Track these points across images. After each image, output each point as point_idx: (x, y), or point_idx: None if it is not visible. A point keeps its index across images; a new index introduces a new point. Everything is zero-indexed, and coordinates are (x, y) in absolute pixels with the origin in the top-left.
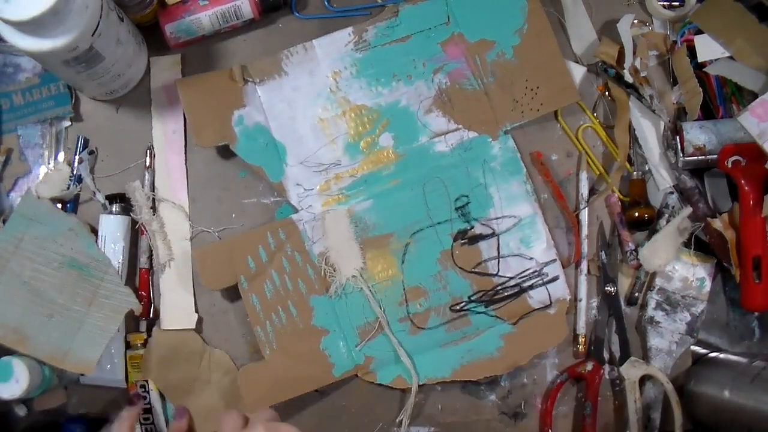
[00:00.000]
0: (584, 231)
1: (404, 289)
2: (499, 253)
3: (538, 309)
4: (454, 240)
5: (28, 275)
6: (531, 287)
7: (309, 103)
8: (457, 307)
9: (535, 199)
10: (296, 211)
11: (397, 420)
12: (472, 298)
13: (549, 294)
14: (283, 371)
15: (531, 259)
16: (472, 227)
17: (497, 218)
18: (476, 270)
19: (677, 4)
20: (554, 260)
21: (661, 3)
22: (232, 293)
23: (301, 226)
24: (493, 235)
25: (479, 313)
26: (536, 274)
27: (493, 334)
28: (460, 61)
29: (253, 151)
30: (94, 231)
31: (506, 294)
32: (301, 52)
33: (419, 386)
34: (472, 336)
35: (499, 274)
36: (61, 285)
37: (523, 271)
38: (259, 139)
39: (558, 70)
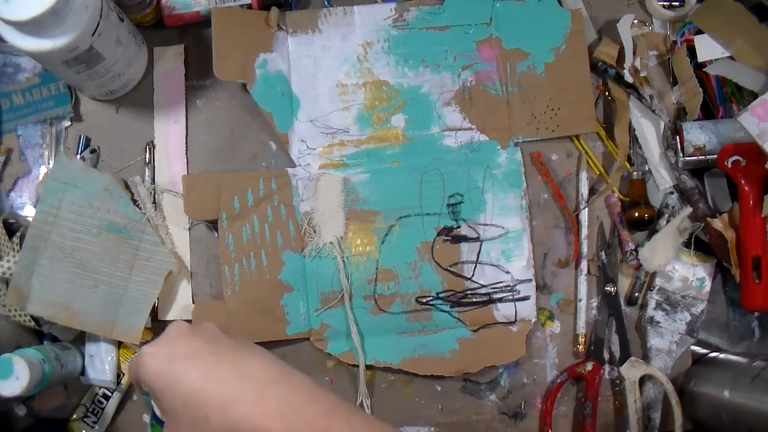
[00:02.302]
0: (584, 231)
1: (377, 268)
2: (478, 258)
3: (501, 323)
4: (438, 234)
5: (70, 246)
6: (500, 300)
7: (334, 66)
8: (424, 300)
9: (527, 216)
10: (294, 166)
11: (357, 403)
12: (440, 295)
13: (516, 311)
14: (239, 315)
15: (507, 273)
16: (459, 227)
17: (485, 225)
18: (451, 269)
19: (677, 4)
20: (530, 280)
21: (661, 3)
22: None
23: (294, 182)
24: (477, 239)
25: (443, 311)
26: (509, 288)
27: (451, 335)
28: (491, 64)
29: (268, 96)
30: (127, 188)
31: (474, 300)
32: (340, 15)
33: (367, 366)
34: (430, 332)
35: (473, 279)
36: (102, 252)
37: (497, 283)
38: (276, 87)
39: (583, 97)
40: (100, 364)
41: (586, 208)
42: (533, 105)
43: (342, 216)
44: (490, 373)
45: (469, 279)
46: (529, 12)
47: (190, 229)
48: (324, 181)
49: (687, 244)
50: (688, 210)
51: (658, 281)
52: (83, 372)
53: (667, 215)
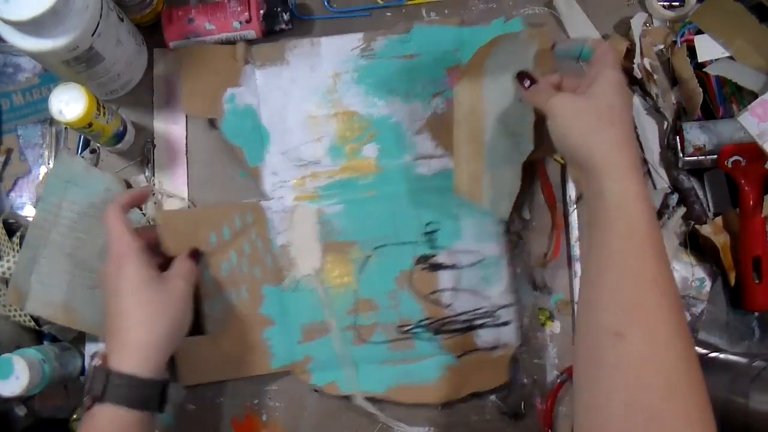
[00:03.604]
0: (574, 233)
1: (356, 299)
2: (457, 285)
3: (483, 349)
4: (416, 263)
5: (69, 245)
6: (481, 326)
7: (303, 97)
8: (405, 329)
9: (506, 241)
10: (267, 199)
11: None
12: (421, 323)
13: (498, 337)
14: (223, 351)
15: (487, 298)
16: (436, 254)
17: (463, 252)
18: (431, 297)
19: (677, 4)
20: (510, 305)
21: (661, 3)
22: None
23: (269, 215)
24: (455, 267)
25: (425, 339)
26: (489, 314)
27: (435, 363)
28: None
29: (238, 131)
30: (129, 186)
31: (455, 327)
32: (307, 46)
33: (347, 396)
34: (413, 360)
35: (453, 306)
36: (101, 253)
37: (477, 309)
38: (246, 121)
39: None
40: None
41: (575, 210)
42: None
43: (318, 248)
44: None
45: (449, 306)
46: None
47: None
48: (299, 214)
49: (684, 244)
50: (682, 210)
51: None
52: (83, 372)
53: (666, 215)
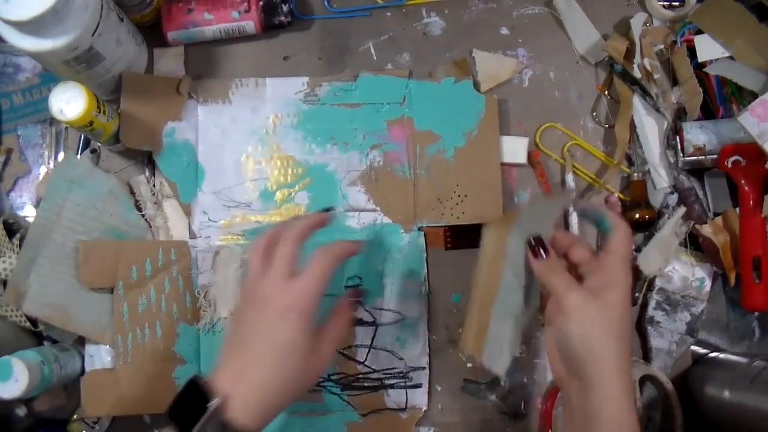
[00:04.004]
0: (575, 232)
1: None
2: (372, 343)
3: (391, 409)
4: None
5: (70, 247)
6: (392, 386)
7: (242, 138)
8: None
9: (426, 303)
10: (194, 237)
11: None
12: (331, 377)
13: (407, 398)
14: (130, 387)
15: (401, 359)
16: (355, 310)
17: (382, 309)
18: (345, 352)
19: (677, 4)
20: (423, 368)
21: (661, 3)
22: None
23: (194, 254)
24: (372, 323)
25: (334, 393)
26: (401, 375)
27: (340, 418)
28: (401, 145)
29: (173, 166)
30: (132, 192)
31: (365, 384)
32: (252, 86)
33: None
34: (319, 413)
35: (366, 363)
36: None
37: (390, 369)
38: (182, 156)
39: (491, 184)
40: (100, 365)
41: (575, 212)
42: (440, 190)
43: (239, 291)
44: (490, 373)
45: (362, 363)
46: (444, 94)
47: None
48: (223, 255)
49: (684, 244)
50: (682, 210)
51: (658, 281)
52: (83, 373)
53: (667, 215)
